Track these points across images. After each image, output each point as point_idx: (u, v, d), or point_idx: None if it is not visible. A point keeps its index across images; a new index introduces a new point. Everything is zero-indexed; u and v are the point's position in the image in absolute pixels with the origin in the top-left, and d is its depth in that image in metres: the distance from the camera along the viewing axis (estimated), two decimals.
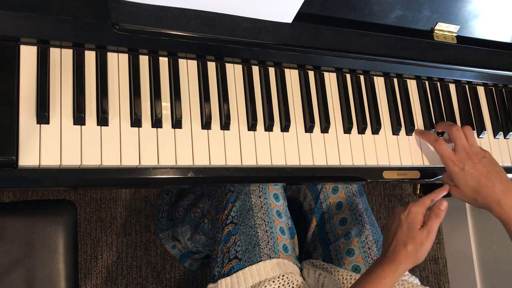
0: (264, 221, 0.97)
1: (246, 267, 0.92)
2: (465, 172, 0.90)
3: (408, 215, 0.87)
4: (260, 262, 0.92)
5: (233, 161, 0.83)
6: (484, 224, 1.79)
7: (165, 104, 0.81)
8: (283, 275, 0.91)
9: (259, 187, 1.00)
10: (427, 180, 1.00)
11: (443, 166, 0.94)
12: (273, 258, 0.93)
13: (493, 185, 0.88)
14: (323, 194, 1.11)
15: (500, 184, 0.88)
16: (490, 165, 0.90)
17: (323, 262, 1.02)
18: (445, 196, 0.91)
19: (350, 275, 0.97)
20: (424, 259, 0.88)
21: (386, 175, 0.95)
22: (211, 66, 0.86)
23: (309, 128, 0.90)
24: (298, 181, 0.92)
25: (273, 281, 0.90)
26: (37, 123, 0.72)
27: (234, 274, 0.92)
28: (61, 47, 0.76)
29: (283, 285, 0.90)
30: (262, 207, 0.99)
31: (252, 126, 0.85)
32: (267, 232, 0.96)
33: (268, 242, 0.95)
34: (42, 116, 0.71)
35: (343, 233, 1.04)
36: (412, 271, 1.87)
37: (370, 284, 0.81)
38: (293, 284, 0.91)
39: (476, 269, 1.77)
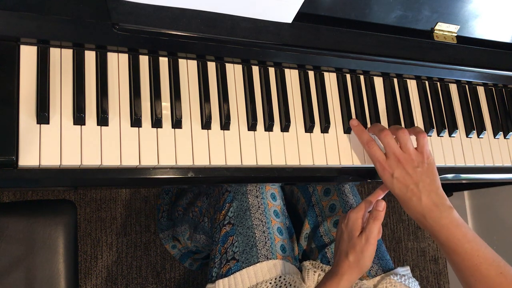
0: (262, 221, 0.97)
1: (243, 268, 0.92)
2: (394, 180, 0.84)
3: (347, 223, 0.83)
4: (258, 264, 0.92)
5: (233, 161, 0.83)
6: (484, 224, 1.79)
7: (165, 104, 0.81)
8: (280, 276, 0.91)
9: (256, 186, 1.00)
10: None
11: (444, 165, 0.93)
12: (270, 259, 0.93)
13: (419, 198, 0.81)
14: (314, 197, 1.11)
15: (427, 198, 0.81)
16: (423, 176, 0.82)
17: (321, 263, 1.02)
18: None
19: None
20: (369, 266, 0.83)
21: None
22: (211, 66, 0.86)
23: (309, 128, 0.90)
24: (298, 181, 0.92)
25: (270, 283, 0.90)
26: (37, 123, 0.72)
27: (231, 276, 0.92)
28: (61, 47, 0.76)
29: (280, 286, 0.90)
30: (259, 207, 0.99)
31: (252, 126, 0.85)
32: (264, 232, 0.96)
33: (266, 243, 0.95)
34: (42, 116, 0.71)
35: None
36: (412, 271, 1.87)
37: None
38: (290, 285, 0.91)
39: None
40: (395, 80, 1.01)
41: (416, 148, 0.85)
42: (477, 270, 0.77)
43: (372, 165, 0.94)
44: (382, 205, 0.83)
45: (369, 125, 0.95)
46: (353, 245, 0.81)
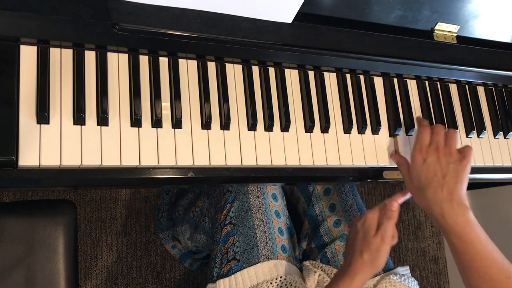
0: (263, 221, 0.97)
1: (244, 268, 0.92)
2: (424, 165, 0.85)
3: (364, 222, 0.85)
4: (258, 264, 0.92)
5: (233, 161, 0.83)
6: (484, 224, 1.79)
7: (165, 104, 0.81)
8: (281, 276, 0.91)
9: (257, 187, 1.00)
10: None
11: None
12: (271, 259, 0.93)
13: (441, 189, 0.82)
14: (314, 197, 1.11)
15: (448, 192, 0.82)
16: (453, 172, 0.83)
17: (321, 263, 1.02)
18: None
19: None
20: (383, 266, 0.84)
21: (386, 175, 0.95)
22: (211, 66, 0.86)
23: (309, 128, 0.90)
24: (298, 181, 0.92)
25: (271, 283, 0.90)
26: (37, 123, 0.72)
27: (232, 276, 0.92)
28: (61, 47, 0.76)
29: (280, 286, 0.90)
30: (260, 207, 0.99)
31: (252, 126, 0.85)
32: (265, 233, 0.96)
33: (267, 243, 0.95)
34: (42, 116, 0.71)
35: (338, 235, 1.04)
36: (412, 271, 1.87)
37: None
38: (291, 285, 0.91)
39: None
40: (395, 80, 1.01)
41: (460, 150, 0.87)
42: (486, 273, 0.78)
43: (372, 165, 0.94)
44: (396, 205, 0.85)
45: (369, 124, 0.95)
46: (368, 244, 0.83)
